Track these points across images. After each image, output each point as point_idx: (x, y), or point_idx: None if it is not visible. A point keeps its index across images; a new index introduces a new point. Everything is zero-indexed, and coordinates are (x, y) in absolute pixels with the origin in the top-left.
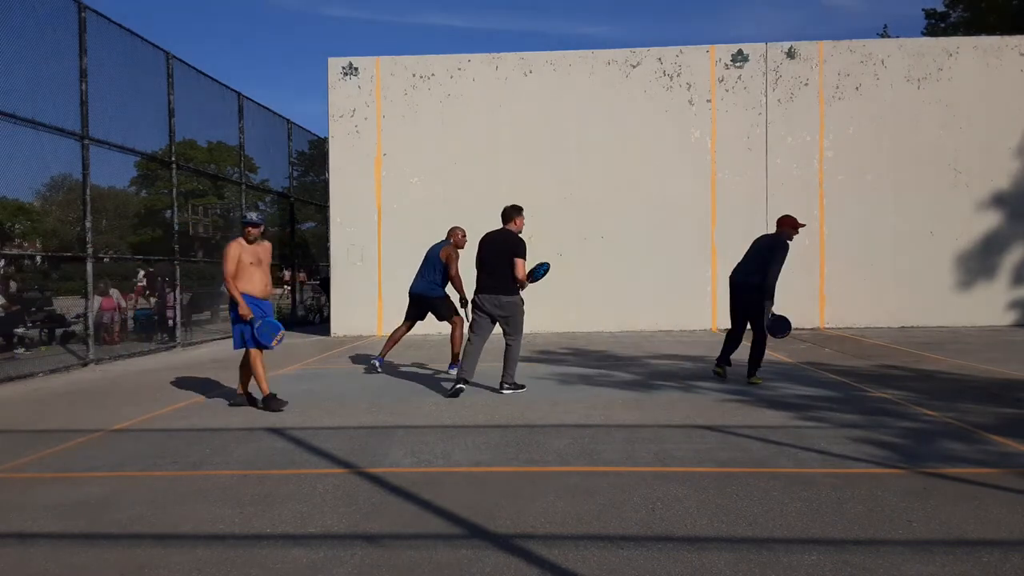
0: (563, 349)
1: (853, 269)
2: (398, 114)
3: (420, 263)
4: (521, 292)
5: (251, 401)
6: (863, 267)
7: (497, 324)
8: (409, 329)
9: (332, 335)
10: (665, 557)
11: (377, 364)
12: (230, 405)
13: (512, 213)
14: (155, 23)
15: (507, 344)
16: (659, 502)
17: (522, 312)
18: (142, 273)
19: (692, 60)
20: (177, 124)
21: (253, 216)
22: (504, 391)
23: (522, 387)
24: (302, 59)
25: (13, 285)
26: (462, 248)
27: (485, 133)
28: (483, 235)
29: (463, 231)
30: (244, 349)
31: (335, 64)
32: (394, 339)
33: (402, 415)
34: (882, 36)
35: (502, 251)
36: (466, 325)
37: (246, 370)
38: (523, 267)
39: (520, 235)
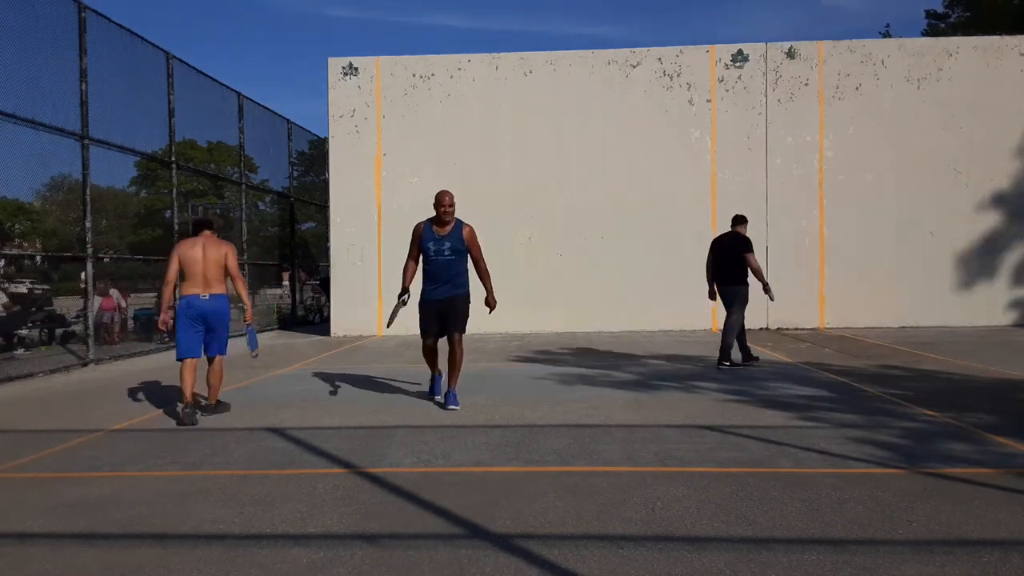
0: (563, 349)
1: (853, 269)
2: (398, 114)
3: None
4: (761, 283)
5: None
6: (863, 267)
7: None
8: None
9: (332, 335)
10: (665, 557)
11: None
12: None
13: (739, 220)
14: (154, 23)
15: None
16: (659, 502)
17: (743, 298)
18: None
19: (692, 60)
20: (177, 124)
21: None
22: (721, 367)
23: (739, 363)
24: (302, 59)
25: None
26: (447, 220)
27: (485, 133)
28: (714, 239)
29: (445, 195)
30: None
31: (335, 64)
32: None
33: (402, 415)
34: (884, 36)
35: (731, 249)
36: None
37: (211, 379)
38: (753, 259)
39: (747, 236)
